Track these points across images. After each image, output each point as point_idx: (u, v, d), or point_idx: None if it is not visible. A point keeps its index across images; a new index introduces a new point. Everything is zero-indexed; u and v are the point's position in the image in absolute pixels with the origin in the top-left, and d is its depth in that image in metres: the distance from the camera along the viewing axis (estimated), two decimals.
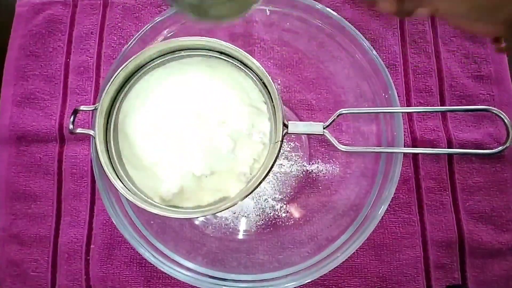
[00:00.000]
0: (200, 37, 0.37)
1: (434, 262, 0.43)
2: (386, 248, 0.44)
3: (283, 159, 0.46)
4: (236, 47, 0.37)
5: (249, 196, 0.32)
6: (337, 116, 0.33)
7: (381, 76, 0.39)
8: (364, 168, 0.43)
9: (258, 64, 0.36)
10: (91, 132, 0.35)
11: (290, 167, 0.46)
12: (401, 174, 0.45)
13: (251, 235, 0.43)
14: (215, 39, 0.37)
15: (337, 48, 0.44)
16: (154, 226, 0.40)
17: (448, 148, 0.46)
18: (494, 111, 0.31)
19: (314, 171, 0.46)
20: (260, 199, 0.45)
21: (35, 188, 0.46)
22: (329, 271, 0.36)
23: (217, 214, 0.43)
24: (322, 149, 0.47)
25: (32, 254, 0.45)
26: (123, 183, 0.36)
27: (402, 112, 0.41)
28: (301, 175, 0.46)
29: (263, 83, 0.35)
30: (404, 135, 0.46)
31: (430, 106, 0.48)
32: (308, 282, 0.36)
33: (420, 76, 0.48)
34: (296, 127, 0.33)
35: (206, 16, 0.25)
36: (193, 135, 0.36)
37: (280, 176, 0.46)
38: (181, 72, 0.38)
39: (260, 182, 0.32)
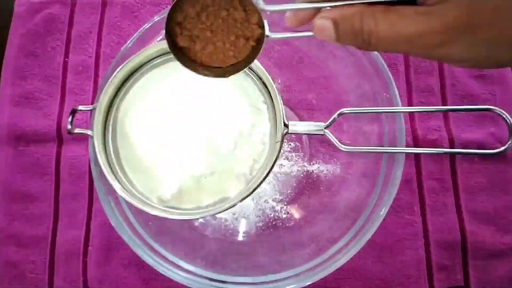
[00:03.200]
0: None
1: (436, 264, 0.43)
2: (388, 250, 0.43)
3: (283, 159, 0.46)
4: None
5: (249, 197, 0.32)
6: (338, 115, 0.33)
7: (382, 75, 0.39)
8: (365, 168, 0.42)
9: (258, 64, 0.35)
10: (89, 132, 0.35)
11: (290, 167, 0.46)
12: (403, 175, 0.45)
13: (251, 236, 0.43)
14: None
15: (337, 47, 0.43)
16: (152, 228, 0.40)
17: (450, 148, 0.46)
18: (497, 111, 0.31)
19: (314, 171, 0.46)
20: (260, 200, 0.44)
21: (33, 189, 0.46)
22: (331, 273, 0.36)
23: (216, 215, 0.42)
24: (323, 149, 0.46)
25: (29, 255, 0.45)
26: (121, 184, 0.35)
27: (403, 112, 0.40)
28: (302, 175, 0.46)
29: (263, 83, 0.35)
30: (406, 135, 0.45)
31: (432, 105, 0.47)
32: (309, 284, 0.35)
33: (421, 75, 0.48)
34: (297, 127, 0.33)
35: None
36: (192, 135, 0.36)
37: (280, 177, 0.45)
38: (180, 72, 0.38)
39: (260, 183, 0.32)
